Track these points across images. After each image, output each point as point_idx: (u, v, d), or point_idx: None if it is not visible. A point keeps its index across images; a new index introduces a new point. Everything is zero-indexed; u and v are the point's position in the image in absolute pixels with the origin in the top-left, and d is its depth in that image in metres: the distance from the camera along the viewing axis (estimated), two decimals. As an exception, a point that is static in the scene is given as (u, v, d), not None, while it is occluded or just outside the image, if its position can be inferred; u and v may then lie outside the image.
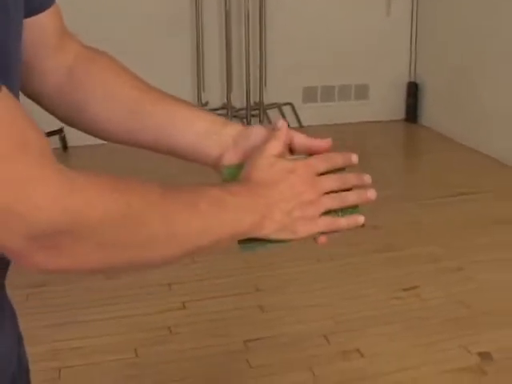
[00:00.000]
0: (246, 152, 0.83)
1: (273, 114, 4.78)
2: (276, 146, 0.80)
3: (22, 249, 0.55)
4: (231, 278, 2.75)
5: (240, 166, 0.82)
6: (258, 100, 4.73)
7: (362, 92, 4.97)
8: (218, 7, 4.57)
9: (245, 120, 4.71)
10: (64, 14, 0.87)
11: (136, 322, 2.41)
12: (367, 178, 0.81)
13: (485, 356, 2.19)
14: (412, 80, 4.97)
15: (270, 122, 4.73)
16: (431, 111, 4.88)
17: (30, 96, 0.87)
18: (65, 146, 4.25)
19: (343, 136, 4.65)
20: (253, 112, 4.72)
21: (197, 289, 2.65)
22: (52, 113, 0.90)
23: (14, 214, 0.52)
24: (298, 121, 4.84)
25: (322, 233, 0.79)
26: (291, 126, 4.82)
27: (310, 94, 4.87)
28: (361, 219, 0.80)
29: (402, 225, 3.23)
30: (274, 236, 0.77)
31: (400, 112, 5.02)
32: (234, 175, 0.82)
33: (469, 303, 2.52)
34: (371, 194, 0.80)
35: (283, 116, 4.80)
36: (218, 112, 4.68)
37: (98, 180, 0.60)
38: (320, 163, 0.80)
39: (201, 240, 0.69)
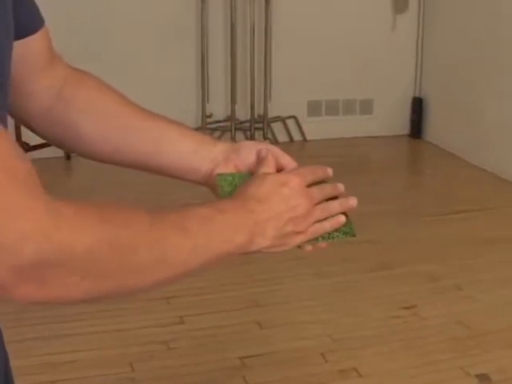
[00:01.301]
0: (238, 166, 0.87)
1: (277, 127, 4.78)
2: (267, 172, 0.84)
3: (5, 281, 0.53)
4: (230, 292, 2.74)
5: (233, 174, 0.86)
6: (262, 113, 4.73)
7: (366, 107, 4.96)
8: (223, 20, 4.58)
9: (248, 133, 4.71)
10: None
11: (132, 336, 2.40)
12: (340, 187, 0.85)
13: (483, 377, 2.18)
14: (417, 95, 4.97)
15: (273, 135, 4.73)
16: (436, 127, 4.88)
17: (16, 118, 0.87)
18: (68, 156, 4.25)
19: (347, 150, 4.65)
20: (256, 125, 4.72)
21: (195, 303, 2.64)
22: (40, 134, 0.90)
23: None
24: (302, 134, 4.84)
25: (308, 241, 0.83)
26: (295, 139, 4.82)
27: (314, 108, 4.87)
28: (342, 219, 0.84)
29: (402, 241, 3.21)
30: (264, 251, 0.79)
31: (404, 127, 5.01)
32: (229, 182, 0.85)
33: (468, 323, 2.50)
34: (353, 201, 0.85)
35: (287, 130, 4.79)
36: (222, 124, 4.69)
37: (85, 211, 0.60)
38: (308, 174, 0.83)
39: (192, 261, 0.70)
